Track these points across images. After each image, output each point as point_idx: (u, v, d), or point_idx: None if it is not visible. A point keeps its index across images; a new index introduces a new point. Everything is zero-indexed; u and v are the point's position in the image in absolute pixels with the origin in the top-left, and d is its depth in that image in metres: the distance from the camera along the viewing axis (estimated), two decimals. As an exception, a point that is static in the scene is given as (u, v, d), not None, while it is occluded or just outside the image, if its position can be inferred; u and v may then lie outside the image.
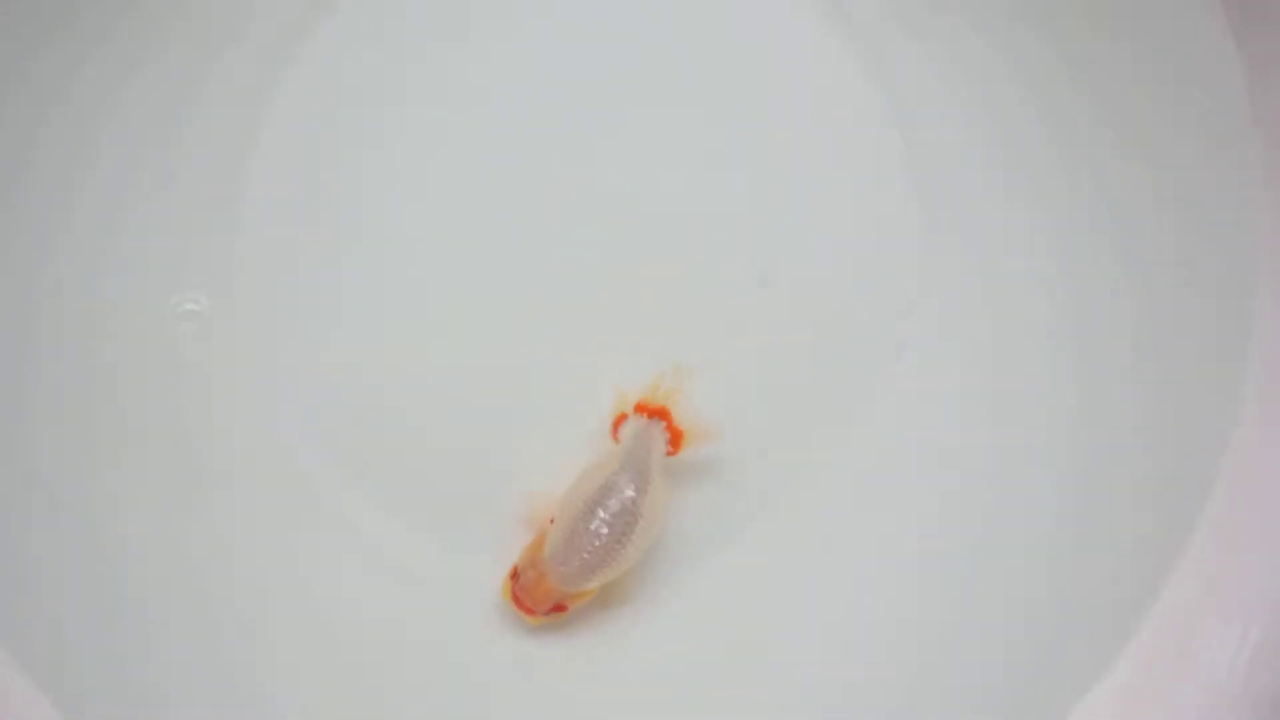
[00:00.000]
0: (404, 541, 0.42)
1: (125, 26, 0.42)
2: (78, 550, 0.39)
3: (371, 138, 0.44)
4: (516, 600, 0.39)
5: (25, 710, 0.36)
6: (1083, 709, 0.38)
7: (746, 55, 0.44)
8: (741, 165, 0.44)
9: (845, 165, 0.44)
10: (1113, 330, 0.41)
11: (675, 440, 0.41)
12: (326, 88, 0.44)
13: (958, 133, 0.43)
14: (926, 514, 0.42)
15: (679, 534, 0.42)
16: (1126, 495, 0.40)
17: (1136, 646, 0.38)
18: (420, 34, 0.44)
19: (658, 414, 0.41)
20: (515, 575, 0.40)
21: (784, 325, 0.43)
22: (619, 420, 0.42)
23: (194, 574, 0.40)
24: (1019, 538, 0.41)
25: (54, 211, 0.41)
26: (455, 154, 0.44)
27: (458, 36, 0.44)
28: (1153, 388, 0.40)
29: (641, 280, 0.43)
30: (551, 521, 0.40)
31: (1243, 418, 0.39)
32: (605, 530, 0.39)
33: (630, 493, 0.39)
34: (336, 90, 0.44)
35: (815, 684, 0.41)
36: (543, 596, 0.39)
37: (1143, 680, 0.38)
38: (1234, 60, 0.38)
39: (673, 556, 0.42)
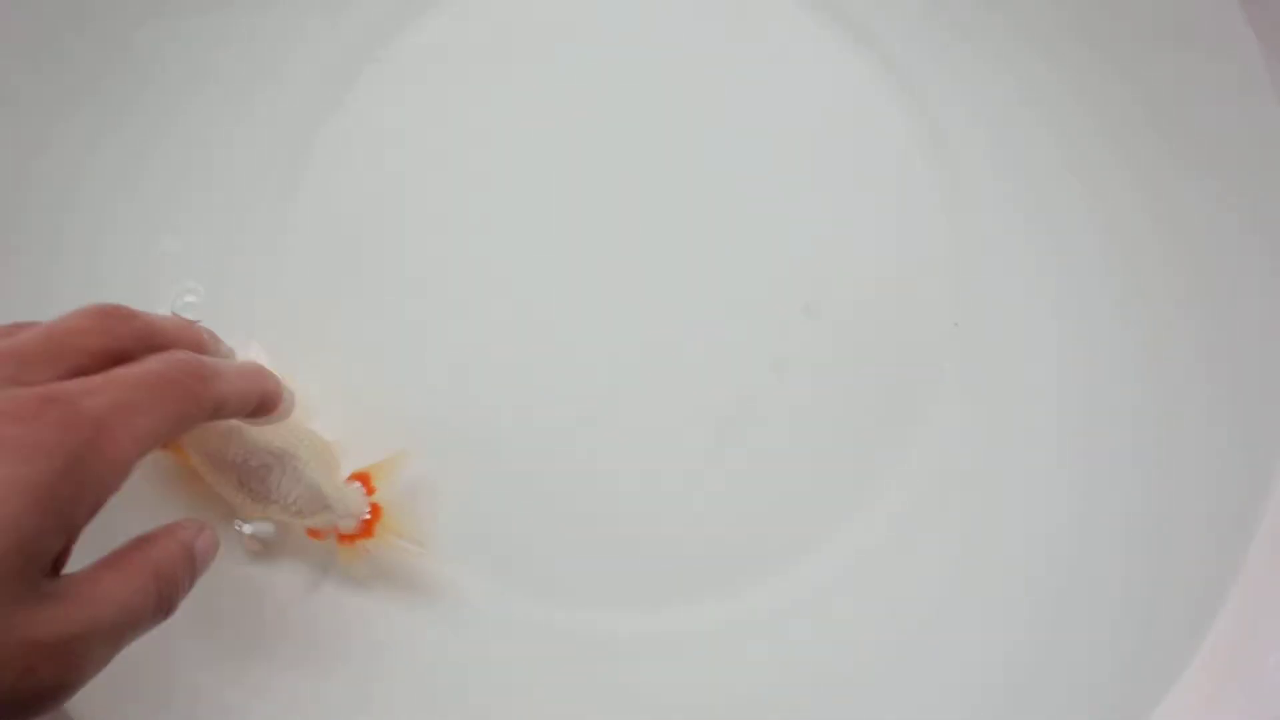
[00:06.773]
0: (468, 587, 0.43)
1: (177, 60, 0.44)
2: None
3: (416, 175, 0.44)
4: None
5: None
6: (1160, 712, 0.40)
7: (784, 90, 0.45)
8: (782, 199, 0.45)
9: (882, 196, 0.45)
10: (1169, 347, 0.42)
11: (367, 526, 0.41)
12: (371, 124, 0.45)
13: (989, 166, 0.44)
14: (991, 537, 0.43)
15: (743, 558, 0.43)
16: (1193, 510, 0.42)
17: (1206, 652, 0.40)
18: (465, 66, 0.45)
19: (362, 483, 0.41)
20: None
21: (830, 351, 0.44)
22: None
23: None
24: (1093, 556, 0.42)
25: (96, 247, 0.42)
26: (495, 197, 0.44)
27: (501, 76, 0.45)
28: (1217, 403, 0.42)
29: (688, 316, 0.44)
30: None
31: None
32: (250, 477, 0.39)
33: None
34: (380, 128, 0.45)
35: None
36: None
37: (1214, 681, 0.40)
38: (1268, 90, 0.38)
39: (742, 577, 0.43)
